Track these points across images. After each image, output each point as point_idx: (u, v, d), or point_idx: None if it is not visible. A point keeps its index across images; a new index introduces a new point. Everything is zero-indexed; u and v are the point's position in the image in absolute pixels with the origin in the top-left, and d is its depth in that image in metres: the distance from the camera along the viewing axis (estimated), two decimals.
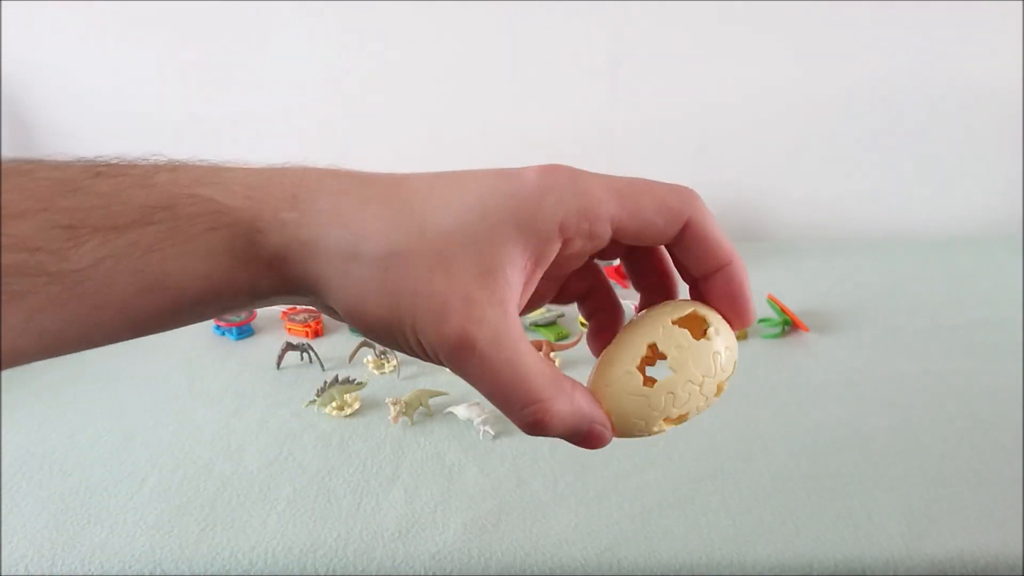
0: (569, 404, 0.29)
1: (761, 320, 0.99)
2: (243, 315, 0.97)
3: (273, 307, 1.03)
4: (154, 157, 0.28)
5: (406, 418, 0.78)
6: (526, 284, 0.28)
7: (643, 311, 0.33)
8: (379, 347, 0.90)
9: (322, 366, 0.90)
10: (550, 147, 1.29)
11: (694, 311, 0.32)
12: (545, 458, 0.73)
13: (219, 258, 0.27)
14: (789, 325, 0.98)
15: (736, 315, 0.32)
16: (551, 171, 0.28)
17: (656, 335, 0.31)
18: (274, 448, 0.75)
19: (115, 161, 0.27)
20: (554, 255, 0.28)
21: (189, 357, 0.92)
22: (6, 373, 0.89)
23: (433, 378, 0.87)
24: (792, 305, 0.99)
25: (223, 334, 0.97)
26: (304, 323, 0.97)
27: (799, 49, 1.24)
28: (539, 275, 0.29)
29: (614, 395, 0.31)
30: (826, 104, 1.28)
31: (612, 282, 1.15)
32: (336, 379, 0.80)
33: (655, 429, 0.31)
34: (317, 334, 0.97)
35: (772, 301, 0.98)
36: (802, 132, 1.30)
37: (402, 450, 0.74)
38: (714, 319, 0.32)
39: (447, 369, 0.88)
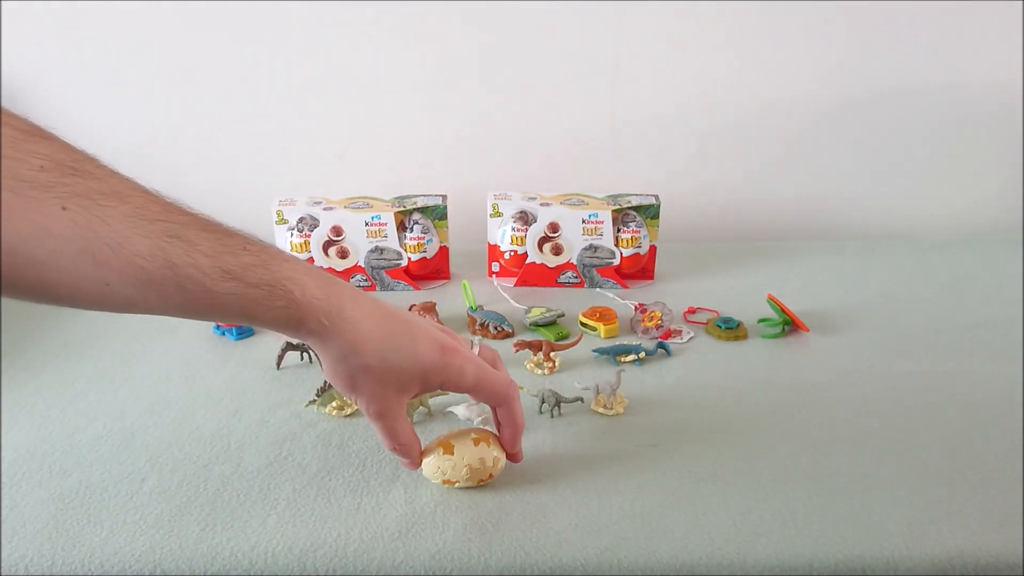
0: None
1: (761, 320, 0.99)
2: None
3: None
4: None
5: None
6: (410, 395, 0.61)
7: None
8: None
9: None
10: (551, 148, 1.29)
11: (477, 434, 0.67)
12: (545, 458, 0.73)
13: (282, 320, 0.53)
14: (789, 325, 0.98)
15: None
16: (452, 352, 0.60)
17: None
18: (274, 448, 0.75)
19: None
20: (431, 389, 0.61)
21: (189, 357, 0.92)
22: (6, 373, 0.89)
23: None
24: (792, 305, 0.99)
25: (223, 334, 0.97)
26: None
27: (798, 49, 1.24)
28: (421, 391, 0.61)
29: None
30: (826, 104, 1.28)
31: (611, 281, 1.14)
32: None
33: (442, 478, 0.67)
34: None
35: (772, 301, 0.98)
36: (802, 132, 1.30)
37: None
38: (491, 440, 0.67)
39: None
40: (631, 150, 1.30)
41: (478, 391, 0.61)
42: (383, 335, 0.55)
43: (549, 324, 0.98)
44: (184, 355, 0.93)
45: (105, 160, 0.48)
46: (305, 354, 0.91)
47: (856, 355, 0.92)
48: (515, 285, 1.11)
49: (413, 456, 0.63)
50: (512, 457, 0.66)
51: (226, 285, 0.48)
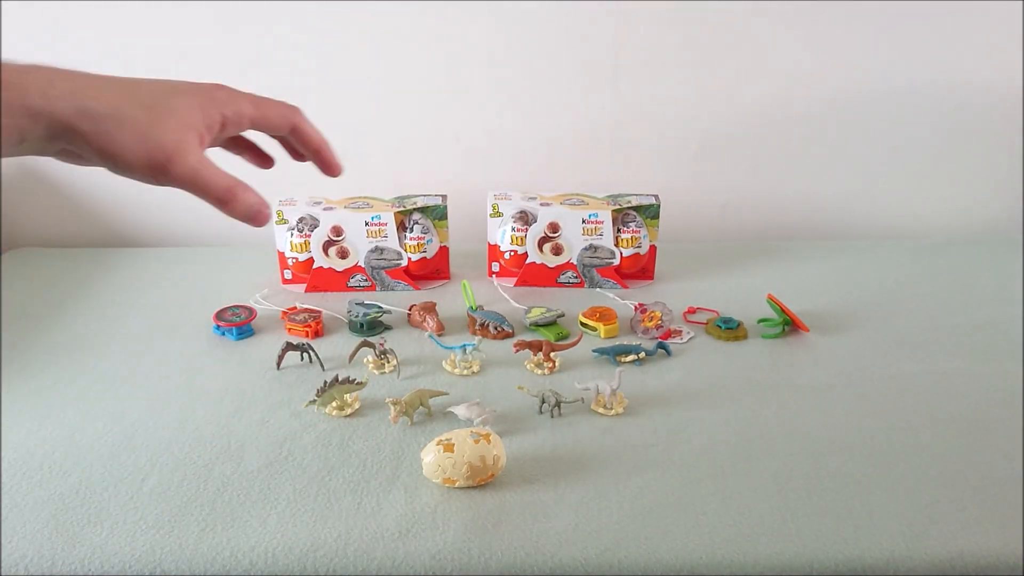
0: (251, 191, 0.50)
1: (761, 320, 0.99)
2: (243, 315, 0.97)
3: (272, 307, 1.03)
4: None
5: (406, 418, 0.78)
6: (203, 140, 0.49)
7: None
8: (379, 347, 0.90)
9: (322, 366, 0.90)
10: (551, 148, 1.29)
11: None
12: (546, 458, 0.73)
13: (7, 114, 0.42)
14: (789, 325, 0.98)
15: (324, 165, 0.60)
16: (219, 87, 0.53)
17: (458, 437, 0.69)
18: (274, 448, 0.75)
19: None
20: (218, 130, 0.51)
21: (189, 357, 0.92)
22: (6, 372, 0.89)
23: (433, 378, 0.88)
24: (792, 305, 0.99)
25: (223, 334, 0.97)
26: (304, 323, 0.97)
27: (798, 49, 1.24)
28: (210, 138, 0.50)
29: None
30: (826, 104, 1.28)
31: (611, 281, 1.14)
32: (336, 379, 0.80)
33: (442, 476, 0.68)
34: (317, 334, 0.97)
35: (772, 301, 0.98)
36: (802, 132, 1.30)
37: (402, 450, 0.74)
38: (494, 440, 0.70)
39: (447, 369, 0.88)
40: (631, 150, 1.30)
41: (264, 116, 0.54)
42: (129, 85, 0.48)
43: (549, 324, 0.98)
44: (184, 355, 0.93)
45: None
46: (305, 354, 0.91)
47: (856, 355, 0.92)
48: (515, 285, 1.11)
49: (248, 195, 0.50)
50: (333, 168, 0.61)
51: None
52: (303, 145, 0.58)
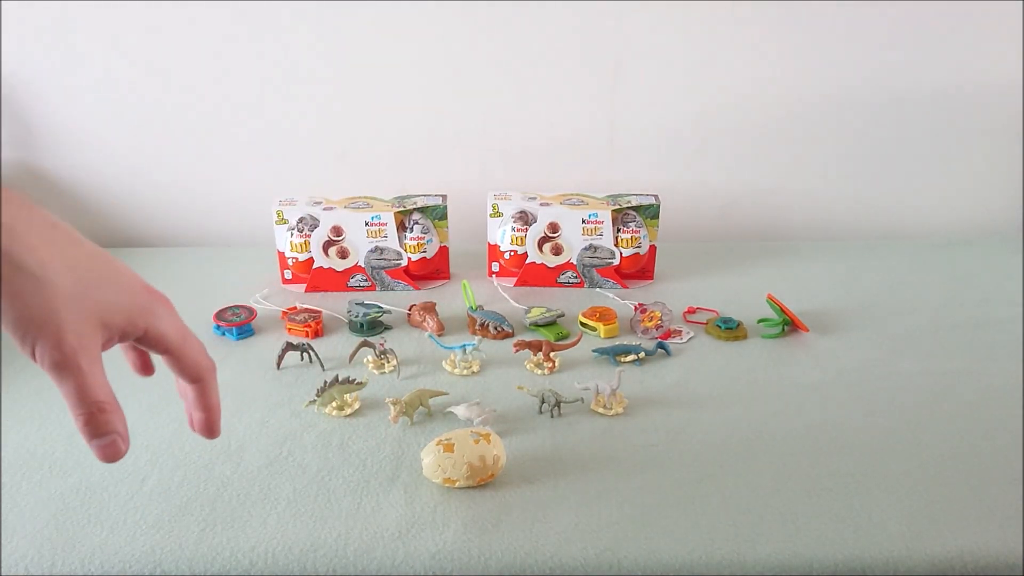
0: (118, 421, 0.45)
1: (761, 320, 0.99)
2: (243, 315, 0.97)
3: (272, 307, 1.03)
4: None
5: (406, 418, 0.78)
6: (110, 343, 0.48)
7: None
8: (379, 347, 0.90)
9: (322, 366, 0.90)
10: (551, 148, 1.29)
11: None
12: (546, 458, 0.73)
13: None
14: (789, 325, 0.98)
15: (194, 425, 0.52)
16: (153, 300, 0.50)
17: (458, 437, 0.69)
18: (274, 448, 0.75)
19: None
20: (130, 338, 0.49)
21: None
22: (6, 372, 0.89)
23: (433, 378, 0.88)
24: (792, 305, 0.99)
25: (223, 334, 0.97)
26: (304, 323, 0.97)
27: (798, 49, 1.24)
28: (118, 342, 0.49)
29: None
30: (826, 104, 1.28)
31: (611, 281, 1.14)
32: (336, 379, 0.80)
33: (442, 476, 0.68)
34: (317, 334, 0.97)
35: (772, 301, 0.98)
36: (802, 132, 1.30)
37: (402, 450, 0.74)
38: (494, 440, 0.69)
39: (447, 369, 0.88)
40: (631, 150, 1.30)
41: (181, 353, 0.50)
42: (78, 253, 0.45)
43: (549, 324, 0.98)
44: None
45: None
46: (305, 354, 0.91)
47: (856, 355, 0.92)
48: (515, 285, 1.11)
49: (115, 421, 0.46)
50: (211, 434, 0.53)
51: None
52: (197, 401, 0.52)
